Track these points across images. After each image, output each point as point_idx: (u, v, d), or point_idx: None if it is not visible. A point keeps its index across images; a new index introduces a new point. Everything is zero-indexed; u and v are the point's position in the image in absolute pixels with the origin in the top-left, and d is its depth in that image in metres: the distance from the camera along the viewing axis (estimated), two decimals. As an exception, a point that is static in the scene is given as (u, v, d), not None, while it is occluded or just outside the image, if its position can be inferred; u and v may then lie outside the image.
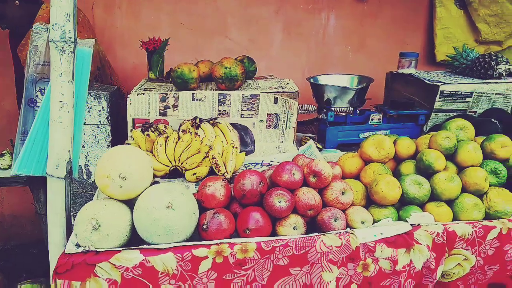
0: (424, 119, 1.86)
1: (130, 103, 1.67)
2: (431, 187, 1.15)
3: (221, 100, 1.73)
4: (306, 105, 2.30)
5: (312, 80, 1.86)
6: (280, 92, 1.76)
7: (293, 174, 1.07)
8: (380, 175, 1.16)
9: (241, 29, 2.82)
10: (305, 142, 1.84)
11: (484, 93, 1.91)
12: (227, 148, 1.53)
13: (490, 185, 1.18)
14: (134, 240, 0.99)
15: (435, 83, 1.88)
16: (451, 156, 1.24)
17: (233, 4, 2.74)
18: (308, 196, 1.05)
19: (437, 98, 1.87)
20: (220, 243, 0.97)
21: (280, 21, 2.86)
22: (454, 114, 1.91)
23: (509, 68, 1.93)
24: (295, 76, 2.36)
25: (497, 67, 1.91)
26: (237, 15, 2.77)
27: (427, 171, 1.19)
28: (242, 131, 1.78)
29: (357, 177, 1.26)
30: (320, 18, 2.91)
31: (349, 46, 3.00)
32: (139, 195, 0.99)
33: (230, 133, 1.66)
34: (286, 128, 1.80)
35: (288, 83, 1.88)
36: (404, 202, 1.15)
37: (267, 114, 1.77)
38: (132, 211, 0.99)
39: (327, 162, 1.24)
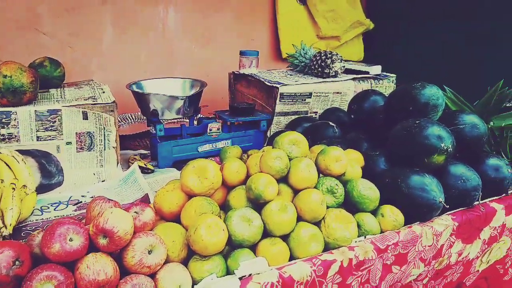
0: (266, 124, 1.70)
1: None
2: (263, 221, 0.95)
3: (4, 120, 1.28)
4: (138, 113, 1.95)
5: (135, 87, 1.52)
6: (90, 104, 1.38)
7: (70, 240, 0.74)
8: (202, 215, 0.91)
9: (59, 21, 2.29)
10: (133, 163, 1.50)
11: (322, 92, 1.84)
12: (6, 191, 1.10)
13: (328, 207, 1.04)
14: None
15: (274, 85, 1.73)
16: (285, 177, 1.06)
17: (44, -12, 2.20)
18: (95, 268, 0.73)
19: (278, 101, 1.74)
20: None
21: (108, 11, 2.41)
22: (297, 116, 1.81)
23: (343, 66, 1.91)
24: (135, 76, 2.00)
25: (333, 65, 1.86)
26: (51, 2, 2.24)
27: (257, 202, 0.98)
28: (43, 158, 1.35)
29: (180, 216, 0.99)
30: (157, 10, 2.56)
31: (194, 42, 2.73)
32: None
33: (19, 165, 1.22)
34: (105, 149, 1.43)
35: (104, 92, 1.51)
36: (233, 246, 0.92)
37: (76, 133, 1.38)
38: None
39: (134, 203, 0.94)
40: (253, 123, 1.70)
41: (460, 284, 1.28)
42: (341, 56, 1.91)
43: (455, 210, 1.18)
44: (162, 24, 2.60)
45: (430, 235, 1.09)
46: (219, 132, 1.60)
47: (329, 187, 1.06)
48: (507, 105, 1.52)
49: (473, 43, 2.40)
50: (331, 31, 3.03)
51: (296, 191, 1.05)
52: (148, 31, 2.53)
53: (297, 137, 1.10)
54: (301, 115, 1.82)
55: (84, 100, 1.41)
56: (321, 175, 1.12)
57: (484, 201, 1.24)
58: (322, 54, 1.90)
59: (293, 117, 1.80)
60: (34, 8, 2.19)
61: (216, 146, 1.61)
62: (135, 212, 0.89)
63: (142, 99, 1.45)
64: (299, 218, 1.00)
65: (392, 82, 2.03)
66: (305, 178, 1.03)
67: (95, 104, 1.38)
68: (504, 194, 1.30)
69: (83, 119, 1.38)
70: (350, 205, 1.09)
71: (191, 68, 2.70)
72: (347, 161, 1.12)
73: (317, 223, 1.01)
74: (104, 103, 1.38)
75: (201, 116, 1.93)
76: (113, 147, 1.44)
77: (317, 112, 1.88)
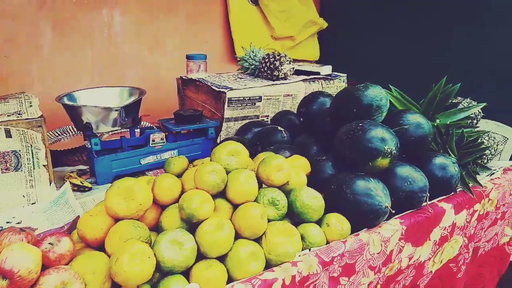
0: (214, 132, 1.62)
1: None
2: (197, 242, 0.87)
3: None
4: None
5: (66, 100, 1.40)
6: (14, 120, 1.25)
7: (-42, 286, 0.63)
8: (127, 242, 0.82)
9: (-8, 28, 2.13)
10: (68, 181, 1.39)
11: (272, 96, 1.79)
12: None
13: (270, 220, 0.98)
14: None
15: (222, 90, 1.66)
16: (224, 192, 0.98)
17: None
18: (-9, 317, 0.63)
19: (226, 106, 1.66)
20: None
21: (47, 17, 2.27)
22: (247, 121, 1.75)
23: (293, 68, 1.86)
24: (79, 85, 1.87)
25: (282, 67, 1.81)
26: (-18, 10, 2.07)
27: (190, 221, 0.90)
28: (-40, 182, 1.22)
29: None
30: (101, 14, 2.43)
31: (143, 47, 2.62)
32: None
33: None
34: (34, 168, 1.31)
35: (31, 106, 1.38)
36: (163, 273, 0.84)
37: (0, 153, 1.25)
38: None
39: (49, 232, 0.84)
40: (201, 131, 1.62)
41: (414, 286, 1.25)
42: (290, 58, 1.86)
43: (403, 213, 1.15)
44: (108, 28, 2.47)
45: (378, 242, 1.05)
46: (163, 143, 1.51)
47: (271, 198, 1.00)
48: (454, 101, 1.52)
49: (427, 42, 2.43)
50: (284, 31, 3.00)
51: (235, 206, 0.98)
52: (92, 36, 2.40)
53: (235, 147, 1.03)
54: (252, 120, 1.75)
55: (8, 116, 1.28)
56: (264, 185, 1.06)
57: (432, 201, 1.22)
58: (271, 56, 1.84)
59: (244, 122, 1.74)
60: (-39, 16, 2.03)
61: (161, 158, 1.52)
62: (49, 243, 0.79)
63: (73, 112, 1.34)
64: (239, 235, 0.93)
65: (343, 81, 2.01)
66: (244, 191, 0.96)
67: (19, 120, 1.26)
68: (453, 193, 1.28)
69: (6, 137, 1.25)
70: (294, 216, 1.04)
71: (141, 73, 2.59)
72: (291, 169, 1.07)
73: (258, 239, 0.94)
74: (30, 119, 1.27)
75: (147, 125, 1.83)
76: (44, 166, 1.32)
77: (268, 116, 1.83)
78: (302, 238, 0.98)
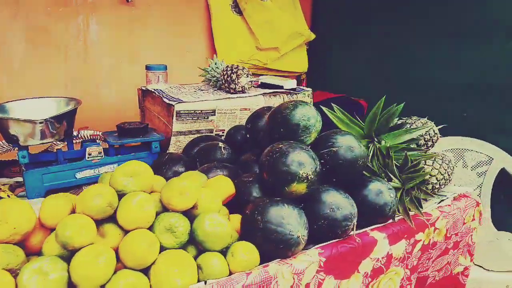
0: (158, 146, 1.56)
1: None
2: (69, 272, 0.81)
3: None
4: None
5: (-2, 111, 1.37)
6: None
7: None
8: (-10, 269, 0.77)
9: (-38, 36, 2.15)
10: (-2, 194, 1.35)
11: (228, 109, 1.72)
12: None
13: (166, 249, 0.91)
14: None
15: (171, 102, 1.61)
16: (115, 217, 0.92)
17: None
18: None
19: (175, 119, 1.61)
20: None
21: (20, 27, 2.27)
22: (199, 135, 1.68)
23: (251, 81, 1.79)
24: (54, 93, 1.85)
25: (239, 81, 1.74)
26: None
27: (67, 249, 0.84)
28: None
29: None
30: (76, 23, 2.42)
31: (121, 56, 2.59)
32: None
33: None
34: (-41, 181, 1.28)
35: (-38, 116, 1.35)
36: (27, 306, 0.78)
37: None
38: None
39: None
40: (145, 145, 1.56)
41: (345, 322, 1.16)
42: (248, 71, 1.79)
43: (324, 244, 1.06)
44: (83, 38, 2.46)
45: (289, 275, 0.97)
46: (101, 156, 1.46)
47: (168, 225, 0.93)
48: (408, 121, 1.43)
49: (417, 56, 2.36)
50: (269, 42, 2.94)
51: (127, 232, 0.91)
52: (67, 46, 2.39)
53: (136, 168, 0.97)
54: (202, 134, 1.69)
55: None
56: (170, 210, 0.99)
57: (363, 230, 1.13)
58: (229, 69, 1.78)
59: (194, 136, 1.68)
60: None
61: (99, 172, 1.47)
62: None
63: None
64: (124, 265, 0.86)
65: (308, 96, 1.93)
66: (136, 217, 0.89)
67: None
68: (391, 221, 1.19)
69: None
70: (198, 244, 0.96)
71: (119, 84, 2.55)
72: (198, 192, 0.99)
73: (146, 270, 0.87)
74: (-48, 130, 1.24)
75: (96, 136, 1.78)
76: (-33, 179, 1.28)
77: (224, 130, 1.76)
78: (200, 268, 0.91)
